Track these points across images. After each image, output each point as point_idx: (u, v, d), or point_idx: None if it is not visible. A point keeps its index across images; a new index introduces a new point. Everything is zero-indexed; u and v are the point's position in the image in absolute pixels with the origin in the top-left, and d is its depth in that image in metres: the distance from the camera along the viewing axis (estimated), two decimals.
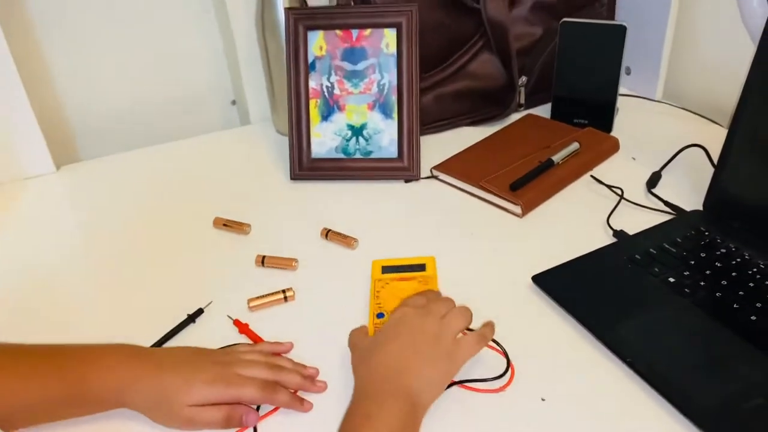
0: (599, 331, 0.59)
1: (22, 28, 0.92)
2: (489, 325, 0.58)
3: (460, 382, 0.56)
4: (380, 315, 0.62)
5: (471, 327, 0.58)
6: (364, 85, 0.86)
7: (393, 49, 0.84)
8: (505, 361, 0.57)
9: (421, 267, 0.68)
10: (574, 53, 0.90)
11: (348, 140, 0.87)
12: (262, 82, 0.98)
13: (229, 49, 1.03)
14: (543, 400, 0.54)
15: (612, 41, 0.87)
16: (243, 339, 0.63)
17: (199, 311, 0.66)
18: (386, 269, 0.68)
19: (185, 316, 0.65)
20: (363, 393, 0.52)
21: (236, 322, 0.64)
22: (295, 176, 0.87)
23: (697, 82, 1.00)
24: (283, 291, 0.67)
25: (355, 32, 0.84)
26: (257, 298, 0.66)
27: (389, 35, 0.84)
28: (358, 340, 0.58)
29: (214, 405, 0.53)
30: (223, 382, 0.53)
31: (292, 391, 0.56)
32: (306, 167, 0.87)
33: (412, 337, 0.54)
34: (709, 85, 0.98)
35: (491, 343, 0.59)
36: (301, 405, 0.55)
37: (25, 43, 0.93)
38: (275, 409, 0.55)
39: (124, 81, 1.02)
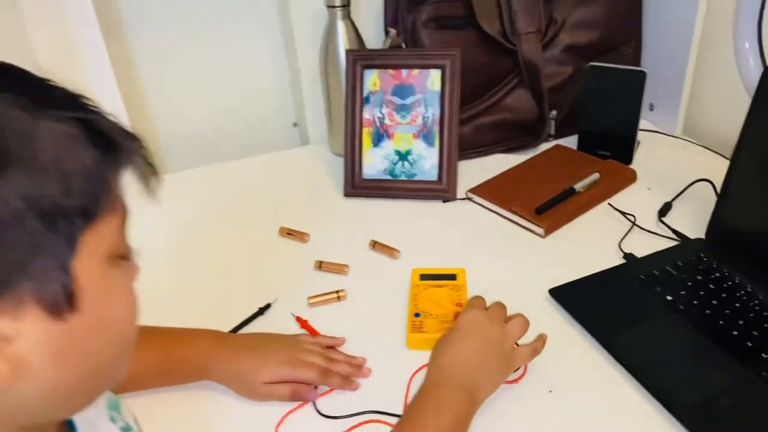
0: (603, 338, 0.70)
1: (124, 54, 1.08)
2: (541, 340, 0.68)
3: None
4: (417, 314, 0.74)
5: None
6: (411, 117, 0.98)
7: (437, 87, 0.97)
8: None
9: (452, 276, 0.80)
10: (599, 93, 1.01)
11: (395, 164, 1.00)
12: (322, 108, 1.12)
13: (294, 79, 1.18)
14: (550, 392, 0.66)
15: (633, 85, 0.97)
16: (303, 332, 0.76)
17: (267, 306, 0.80)
18: (423, 276, 0.80)
19: (256, 309, 0.79)
20: (435, 383, 0.62)
21: (298, 319, 0.77)
22: (348, 193, 1.01)
23: (714, 119, 1.09)
24: (337, 291, 0.80)
25: (405, 72, 0.97)
26: (316, 296, 0.80)
27: (435, 75, 0.97)
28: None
29: (283, 383, 0.67)
30: (290, 365, 0.67)
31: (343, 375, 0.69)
32: (358, 186, 1.01)
33: (482, 341, 0.64)
34: (724, 123, 1.08)
35: None
36: (350, 385, 0.68)
37: (126, 68, 1.09)
38: (330, 390, 0.68)
39: (204, 102, 1.17)
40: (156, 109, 1.15)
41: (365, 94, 0.99)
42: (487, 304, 0.70)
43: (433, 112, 0.98)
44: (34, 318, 0.32)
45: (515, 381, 0.67)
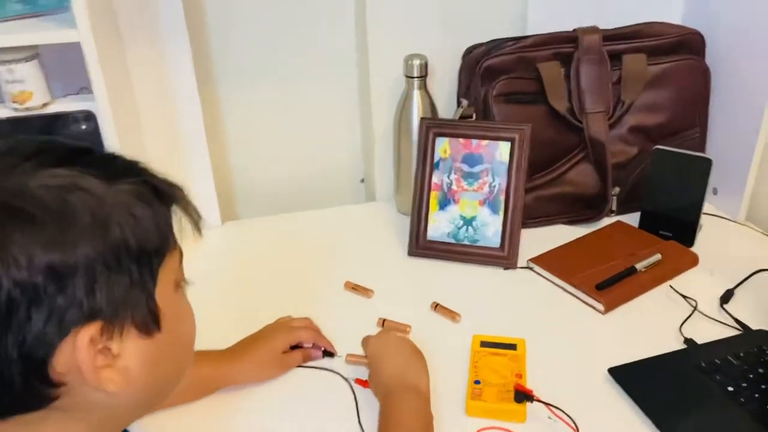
0: (663, 426, 0.70)
1: (212, 102, 1.16)
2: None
3: None
4: (477, 381, 0.77)
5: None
6: (478, 185, 1.03)
7: (506, 158, 1.01)
8: None
9: (512, 346, 0.82)
10: (664, 176, 1.03)
11: (459, 228, 1.03)
12: (390, 168, 1.18)
13: (366, 139, 1.24)
14: None
15: (699, 170, 0.99)
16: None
17: (332, 354, 0.83)
18: (484, 343, 0.83)
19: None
20: (385, 398, 0.71)
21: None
22: (412, 253, 1.05)
23: None
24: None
25: (474, 141, 1.02)
26: (354, 355, 0.83)
27: (503, 147, 1.01)
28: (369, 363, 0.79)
29: (291, 351, 0.81)
30: (290, 333, 0.82)
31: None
32: (422, 246, 1.04)
33: (393, 349, 0.77)
34: None
35: (567, 419, 0.72)
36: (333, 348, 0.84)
37: (213, 117, 1.17)
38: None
39: (279, 154, 1.24)
40: (234, 158, 1.23)
41: (436, 160, 1.04)
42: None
43: (500, 181, 1.02)
44: (132, 337, 0.43)
45: None
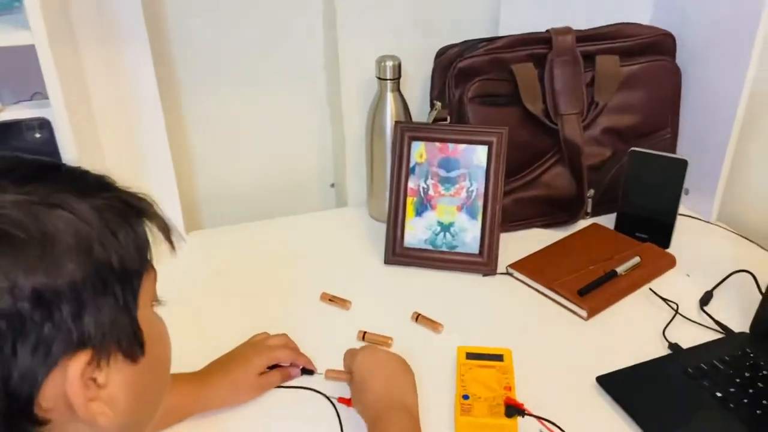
0: None
1: (172, 110, 1.10)
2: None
3: None
4: (465, 396, 0.74)
5: None
6: (455, 190, 1.00)
7: (483, 162, 0.99)
8: None
9: (499, 357, 0.79)
10: (640, 177, 1.03)
11: (437, 234, 1.01)
12: (363, 172, 1.14)
13: (336, 143, 1.20)
14: None
15: (674, 171, 0.99)
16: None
17: (311, 371, 0.79)
18: (469, 355, 0.80)
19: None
20: (374, 420, 0.67)
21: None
22: (389, 260, 1.01)
23: (751, 208, 1.11)
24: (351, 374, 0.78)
25: (451, 145, 1.00)
26: (333, 370, 0.79)
27: (481, 150, 0.99)
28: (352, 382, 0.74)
29: (269, 371, 0.76)
30: (266, 352, 0.78)
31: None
32: (399, 254, 1.01)
33: (382, 368, 0.73)
34: (761, 213, 1.09)
35: (557, 431, 0.70)
36: (312, 365, 0.80)
37: (176, 123, 1.11)
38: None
39: (244, 159, 1.19)
40: (198, 165, 1.17)
41: (411, 165, 1.01)
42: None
43: (478, 186, 0.99)
44: (118, 365, 0.41)
45: None
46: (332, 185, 1.26)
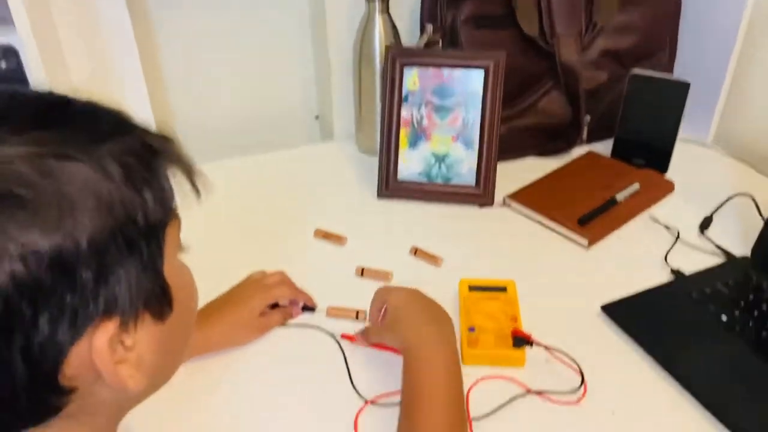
0: (663, 360, 0.69)
1: (147, 36, 1.02)
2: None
3: (539, 392, 0.67)
4: (471, 329, 0.72)
5: None
6: (451, 119, 0.96)
7: (479, 89, 0.94)
8: (579, 378, 0.68)
9: (502, 288, 0.78)
10: (639, 102, 1.00)
11: (432, 166, 0.97)
12: (350, 103, 1.09)
13: (321, 71, 1.13)
14: (613, 413, 0.65)
15: (675, 95, 0.96)
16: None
17: (312, 309, 0.77)
18: (472, 288, 0.78)
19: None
20: (413, 345, 0.64)
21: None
22: (381, 194, 0.98)
23: (747, 131, 1.09)
24: (357, 312, 0.76)
25: (446, 71, 0.94)
26: (336, 308, 0.77)
27: (477, 76, 0.94)
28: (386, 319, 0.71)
29: (269, 311, 0.74)
30: (265, 291, 0.74)
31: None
32: (392, 187, 0.98)
33: (419, 306, 0.69)
34: (758, 136, 1.08)
35: (568, 360, 0.69)
36: (312, 302, 0.78)
37: (150, 52, 1.03)
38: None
39: (223, 91, 1.12)
40: (172, 96, 1.10)
41: (404, 93, 0.96)
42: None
43: (474, 114, 0.95)
44: (146, 325, 0.37)
45: (576, 402, 0.66)
46: (317, 117, 1.21)
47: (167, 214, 0.38)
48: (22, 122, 0.32)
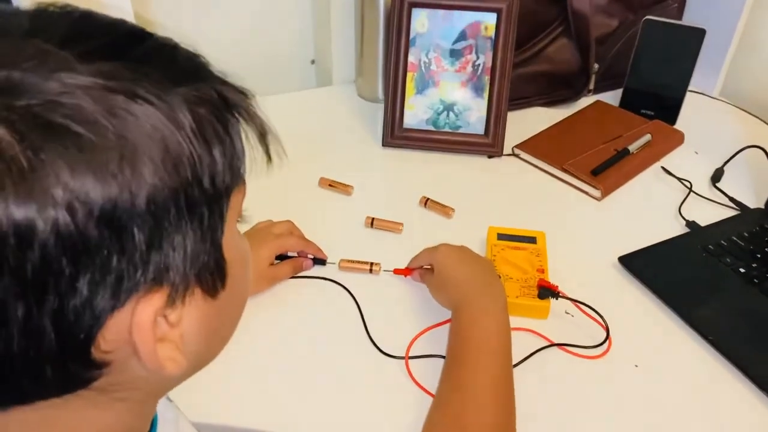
0: (683, 312, 0.68)
1: None
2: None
3: (563, 345, 0.65)
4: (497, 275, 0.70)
5: None
6: (460, 64, 0.91)
7: (491, 32, 0.90)
8: (602, 331, 0.66)
9: (532, 239, 0.75)
10: (652, 50, 0.97)
11: (439, 114, 0.93)
12: (351, 46, 1.03)
13: (318, 12, 1.07)
14: (636, 366, 0.64)
15: (690, 43, 0.93)
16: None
17: (323, 261, 0.74)
18: (501, 236, 0.75)
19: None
20: (461, 302, 0.63)
21: (396, 271, 0.72)
22: (387, 143, 0.94)
23: (755, 83, 1.08)
24: (371, 264, 0.73)
25: (456, 13, 0.90)
26: (349, 261, 0.74)
27: (489, 19, 0.89)
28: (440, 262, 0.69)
29: (279, 263, 0.72)
30: (274, 242, 0.71)
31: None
32: (398, 136, 0.94)
33: (469, 262, 0.67)
34: (766, 88, 1.06)
35: (593, 314, 0.68)
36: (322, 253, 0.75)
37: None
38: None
39: (212, 31, 1.05)
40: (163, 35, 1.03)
41: (412, 36, 0.91)
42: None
43: (485, 59, 0.91)
44: (194, 300, 0.31)
45: (601, 355, 0.65)
46: (312, 62, 1.15)
47: (235, 178, 0.32)
48: (93, 49, 0.27)
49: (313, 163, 0.90)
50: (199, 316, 0.32)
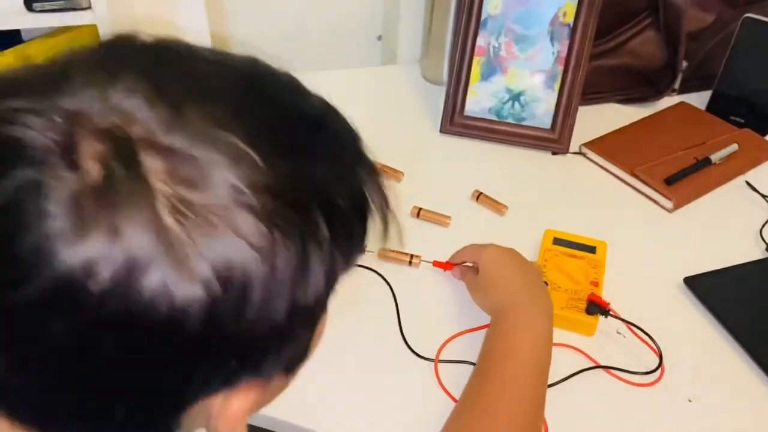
0: (751, 347, 0.61)
1: None
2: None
3: (609, 368, 0.60)
4: (545, 284, 0.65)
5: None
6: (532, 52, 0.85)
7: (570, 19, 0.83)
8: (654, 357, 0.60)
9: (591, 249, 0.69)
10: (750, 50, 0.87)
11: (504, 103, 0.87)
12: (419, 24, 0.98)
13: None
14: (690, 401, 0.58)
15: None
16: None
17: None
18: (557, 241, 0.70)
19: None
20: (503, 308, 0.58)
21: (435, 263, 0.68)
22: (445, 130, 0.89)
23: None
24: (411, 256, 0.69)
25: None
26: (389, 250, 0.69)
27: (569, 4, 0.83)
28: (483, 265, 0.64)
29: None
30: None
31: None
32: (457, 123, 0.89)
33: (517, 265, 0.62)
34: None
35: (645, 338, 0.62)
36: None
37: None
38: None
39: (280, 2, 1.03)
40: (230, 9, 1.01)
41: (483, 17, 0.85)
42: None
43: (560, 48, 0.84)
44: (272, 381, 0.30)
45: (651, 384, 0.59)
46: (379, 38, 1.11)
47: (350, 264, 0.32)
48: (272, 147, 0.27)
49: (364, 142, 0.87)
50: (256, 396, 0.30)
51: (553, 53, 0.85)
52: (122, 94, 0.25)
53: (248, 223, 0.25)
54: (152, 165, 0.24)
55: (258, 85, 0.30)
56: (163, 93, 0.26)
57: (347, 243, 0.30)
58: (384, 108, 0.96)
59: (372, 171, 0.32)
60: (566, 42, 0.84)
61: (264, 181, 0.25)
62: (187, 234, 0.23)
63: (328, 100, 0.33)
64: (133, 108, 0.25)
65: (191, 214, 0.24)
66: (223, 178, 0.24)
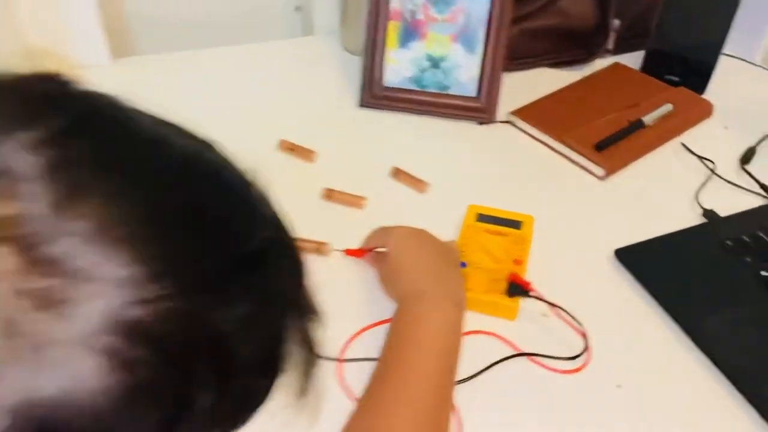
0: (686, 322, 0.57)
1: None
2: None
3: (532, 355, 0.55)
4: (463, 264, 0.59)
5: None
6: (451, 13, 0.79)
7: None
8: (581, 341, 0.55)
9: (516, 224, 0.64)
10: (683, 5, 0.82)
11: (424, 71, 0.81)
12: None
13: None
14: (619, 386, 0.53)
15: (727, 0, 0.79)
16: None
17: None
18: (481, 217, 0.65)
19: None
20: (409, 296, 0.53)
21: (347, 252, 0.62)
22: (364, 103, 0.82)
23: None
24: (318, 244, 0.63)
25: None
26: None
27: None
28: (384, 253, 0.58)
29: None
30: None
31: None
32: (376, 95, 0.82)
33: (429, 247, 0.57)
34: None
35: (570, 320, 0.56)
36: None
37: None
38: None
39: None
40: None
41: None
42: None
43: (480, 9, 0.78)
44: None
45: (577, 370, 0.54)
46: (297, 8, 1.03)
47: None
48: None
49: (278, 119, 0.80)
50: None
51: (474, 15, 0.78)
52: (17, 153, 0.20)
53: (91, 369, 0.20)
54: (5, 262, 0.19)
55: (192, 188, 0.24)
56: (67, 171, 0.20)
57: (239, 407, 0.26)
58: (302, 81, 0.88)
59: (304, 323, 0.29)
60: (488, 1, 0.77)
61: (146, 321, 0.20)
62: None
63: (289, 224, 0.28)
64: (20, 176, 0.19)
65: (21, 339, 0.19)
66: (89, 309, 0.19)
